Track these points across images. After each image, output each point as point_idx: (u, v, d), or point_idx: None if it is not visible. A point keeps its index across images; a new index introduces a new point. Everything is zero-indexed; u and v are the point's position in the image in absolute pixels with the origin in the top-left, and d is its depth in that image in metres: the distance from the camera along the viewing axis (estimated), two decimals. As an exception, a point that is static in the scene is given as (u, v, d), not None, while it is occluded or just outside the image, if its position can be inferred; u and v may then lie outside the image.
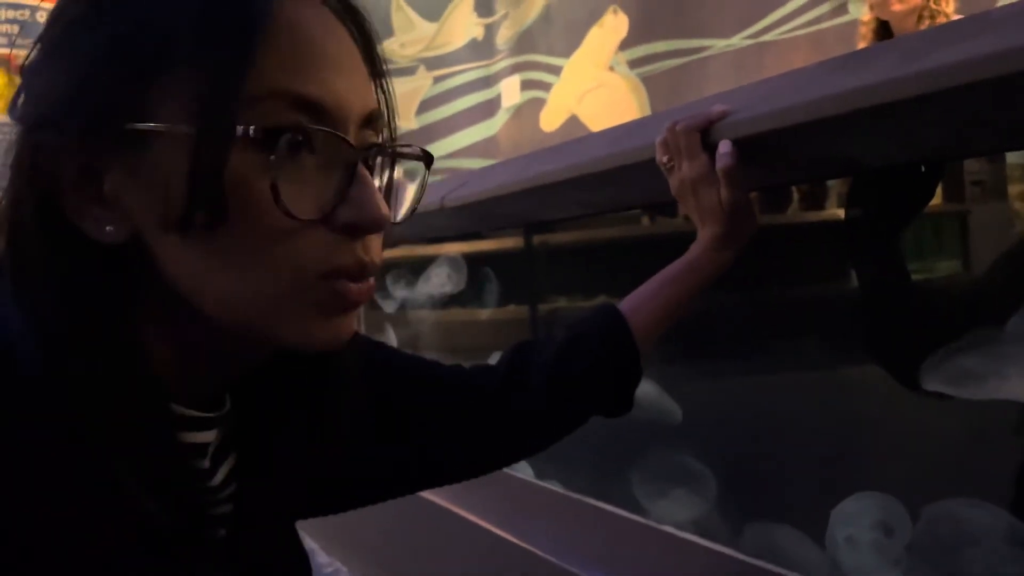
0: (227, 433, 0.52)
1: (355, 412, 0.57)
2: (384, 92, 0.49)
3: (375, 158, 0.47)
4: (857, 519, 0.87)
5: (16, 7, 3.93)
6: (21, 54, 4.01)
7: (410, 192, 0.51)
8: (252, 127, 0.40)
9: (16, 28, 3.92)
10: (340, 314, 0.45)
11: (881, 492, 0.87)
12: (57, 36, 0.43)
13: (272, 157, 0.40)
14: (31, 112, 0.42)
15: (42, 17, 3.98)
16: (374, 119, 0.46)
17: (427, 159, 0.51)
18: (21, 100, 0.43)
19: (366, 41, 0.47)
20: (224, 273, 0.42)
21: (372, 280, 0.46)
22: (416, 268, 1.91)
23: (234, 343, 0.46)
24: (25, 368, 0.40)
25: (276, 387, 0.53)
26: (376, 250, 0.46)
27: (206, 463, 0.49)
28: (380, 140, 0.48)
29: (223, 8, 0.40)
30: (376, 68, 0.48)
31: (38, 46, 0.43)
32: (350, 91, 0.44)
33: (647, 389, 1.19)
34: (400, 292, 1.97)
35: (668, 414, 1.21)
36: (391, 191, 0.50)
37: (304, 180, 0.42)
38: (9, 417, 0.38)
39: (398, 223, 0.48)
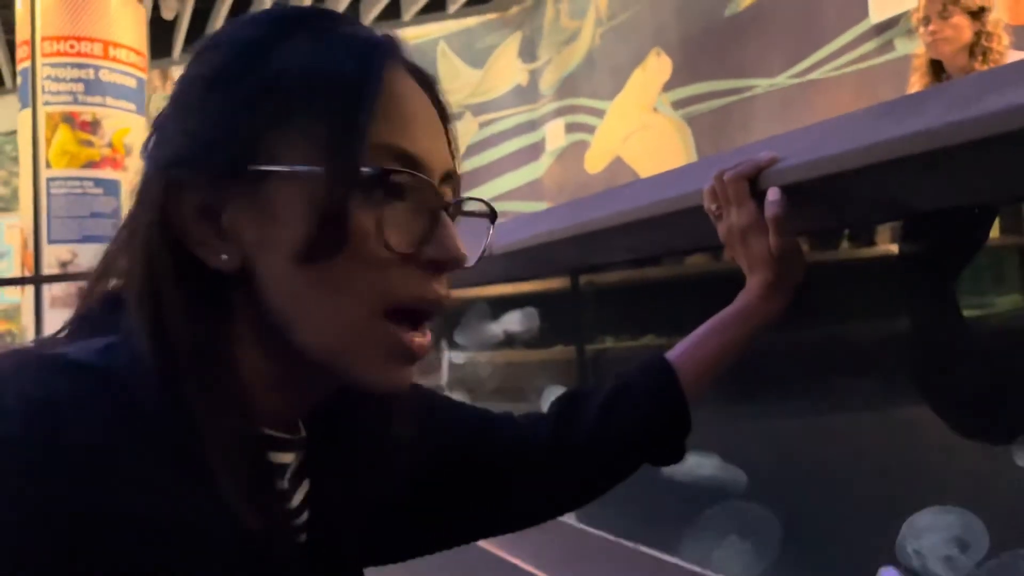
0: (302, 459, 0.54)
1: (413, 455, 0.60)
2: (454, 157, 0.55)
3: (453, 209, 0.53)
4: (930, 532, 0.85)
5: (81, 66, 4.11)
6: (85, 111, 4.18)
7: (472, 242, 0.55)
8: (369, 169, 0.47)
9: (81, 87, 4.09)
10: (404, 362, 0.50)
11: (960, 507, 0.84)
12: (196, 91, 0.49)
13: (376, 196, 0.47)
14: (165, 154, 0.48)
15: (105, 76, 4.15)
16: (450, 177, 0.53)
17: (492, 216, 0.57)
18: (152, 144, 0.50)
19: (443, 113, 0.54)
20: (323, 301, 0.47)
21: (429, 334, 0.51)
22: (459, 312, 1.92)
23: (314, 373, 0.50)
24: (138, 383, 0.43)
25: (346, 422, 0.57)
26: (447, 289, 0.52)
27: (285, 483, 0.52)
28: (454, 195, 0.54)
29: (346, 75, 0.48)
30: (449, 137, 0.55)
31: (172, 101, 0.50)
32: (436, 151, 0.51)
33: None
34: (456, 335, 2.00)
35: (733, 483, 1.19)
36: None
37: (398, 220, 0.48)
38: (115, 427, 0.41)
39: (471, 267, 0.53)
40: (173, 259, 0.47)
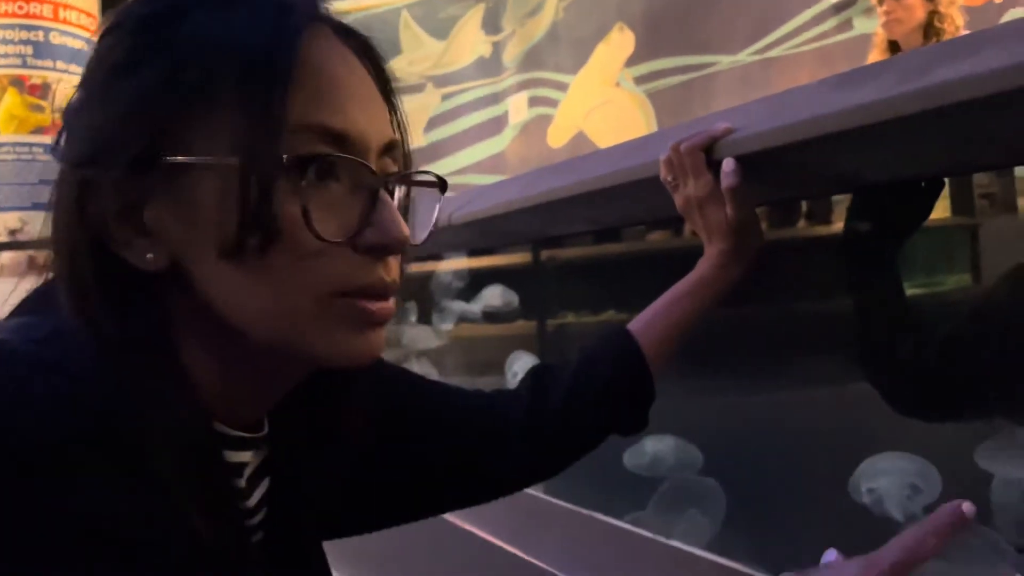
0: (263, 458, 0.53)
1: (380, 437, 0.60)
2: (400, 124, 0.51)
3: (395, 184, 0.49)
4: (885, 475, 0.88)
5: (30, 28, 3.98)
6: (35, 74, 4.05)
7: (427, 214, 0.53)
8: (286, 156, 0.43)
9: (30, 49, 3.96)
10: (367, 330, 0.47)
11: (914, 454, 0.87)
12: (98, 80, 0.45)
13: (303, 183, 0.43)
14: (75, 151, 0.45)
15: (55, 38, 4.03)
16: (392, 148, 0.49)
17: (442, 185, 0.54)
18: (63, 140, 0.46)
19: (382, 77, 0.50)
20: (260, 293, 0.44)
21: (392, 300, 0.48)
22: (420, 284, 1.92)
23: (270, 361, 0.48)
24: (79, 381, 0.41)
25: (308, 416, 0.55)
26: (396, 270, 0.48)
27: (242, 483, 0.51)
28: (398, 167, 0.50)
29: (255, 49, 0.43)
30: (392, 102, 0.51)
31: (79, 89, 0.46)
32: (370, 123, 0.47)
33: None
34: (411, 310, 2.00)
35: (688, 455, 1.21)
36: (407, 214, 0.52)
37: (331, 205, 0.45)
38: (64, 425, 0.40)
39: (418, 245, 0.50)
40: (95, 261, 0.44)
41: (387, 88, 0.51)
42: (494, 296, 1.77)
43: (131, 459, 0.41)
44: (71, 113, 0.46)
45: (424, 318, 1.98)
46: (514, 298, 1.74)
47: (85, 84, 0.46)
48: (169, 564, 0.42)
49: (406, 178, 0.51)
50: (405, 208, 0.52)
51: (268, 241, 0.43)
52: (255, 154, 0.42)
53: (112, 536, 0.40)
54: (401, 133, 0.51)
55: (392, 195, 0.48)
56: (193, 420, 0.45)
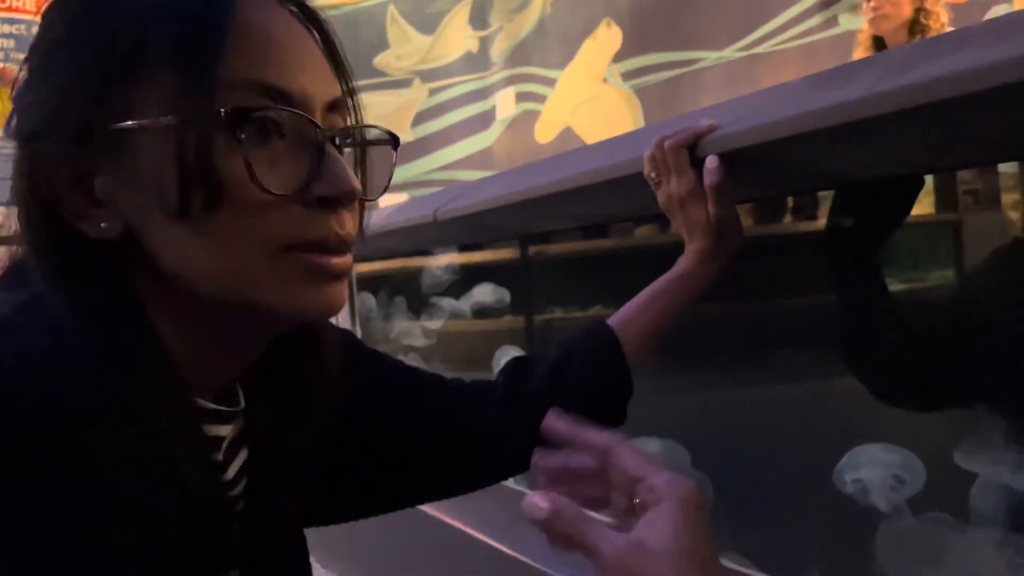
0: (240, 429, 0.54)
1: (355, 416, 0.61)
2: (348, 81, 0.52)
3: (343, 140, 0.50)
4: (869, 466, 0.89)
5: (12, 22, 3.95)
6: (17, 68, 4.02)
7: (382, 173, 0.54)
8: (224, 110, 0.43)
9: (11, 43, 3.93)
10: (324, 283, 0.48)
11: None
12: (40, 58, 0.47)
13: (244, 138, 0.44)
14: (23, 127, 0.46)
15: (38, 32, 4.00)
16: (338, 106, 0.50)
17: (394, 141, 0.54)
18: (14, 120, 0.47)
19: (325, 38, 0.51)
20: (211, 252, 0.45)
21: (350, 254, 0.49)
22: (408, 280, 1.92)
23: (232, 321, 0.48)
24: (71, 350, 0.42)
25: (282, 386, 0.56)
26: (351, 225, 0.49)
27: (220, 456, 0.51)
28: (346, 124, 0.51)
29: (188, 12, 0.45)
30: (338, 62, 0.51)
31: (25, 68, 0.47)
32: (311, 80, 0.47)
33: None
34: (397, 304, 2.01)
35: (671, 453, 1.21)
36: (365, 172, 0.54)
37: (277, 161, 0.45)
38: (60, 395, 0.40)
39: (372, 199, 0.52)
40: (52, 234, 0.45)
41: (331, 47, 0.51)
42: (485, 294, 1.77)
43: (118, 432, 0.42)
44: (19, 93, 0.47)
45: (412, 313, 1.98)
46: (506, 295, 1.74)
47: (29, 62, 0.47)
48: (153, 537, 0.42)
49: (354, 133, 0.51)
50: (363, 165, 0.53)
51: (212, 198, 0.43)
52: (190, 111, 0.43)
53: (102, 508, 0.40)
54: (349, 90, 0.51)
55: (341, 151, 0.49)
56: (171, 391, 0.45)
